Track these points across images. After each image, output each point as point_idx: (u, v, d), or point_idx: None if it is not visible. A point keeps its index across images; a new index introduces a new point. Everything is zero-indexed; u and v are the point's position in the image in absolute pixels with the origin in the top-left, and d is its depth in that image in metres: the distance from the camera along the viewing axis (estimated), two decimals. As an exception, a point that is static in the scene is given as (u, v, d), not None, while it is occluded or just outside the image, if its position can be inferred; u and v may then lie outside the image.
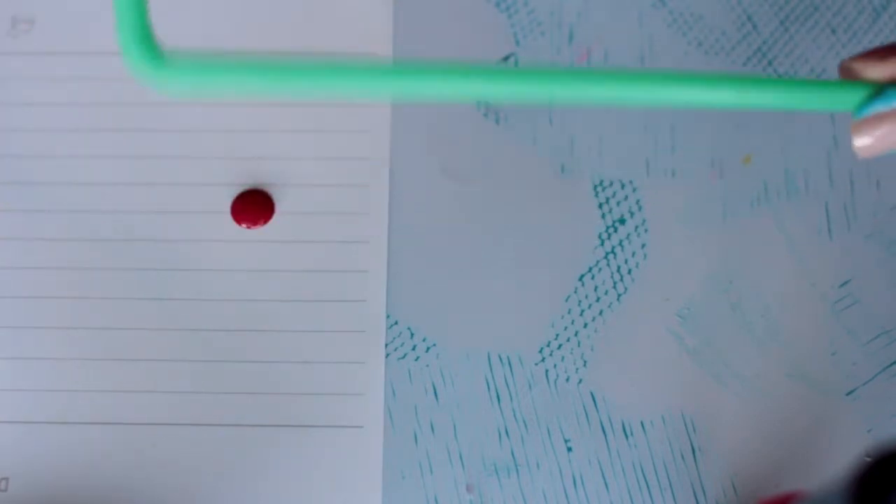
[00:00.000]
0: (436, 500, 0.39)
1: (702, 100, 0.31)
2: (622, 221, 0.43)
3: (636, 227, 0.43)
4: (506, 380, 0.41)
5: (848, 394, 0.40)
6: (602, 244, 0.42)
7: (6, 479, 0.39)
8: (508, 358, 0.41)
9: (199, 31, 0.45)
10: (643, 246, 0.42)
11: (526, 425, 0.40)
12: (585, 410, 0.40)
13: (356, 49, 0.45)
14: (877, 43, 0.45)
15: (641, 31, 0.45)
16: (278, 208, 0.43)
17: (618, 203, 0.43)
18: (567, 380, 0.41)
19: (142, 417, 0.40)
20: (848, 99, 0.32)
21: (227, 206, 0.43)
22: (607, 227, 0.42)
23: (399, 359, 0.41)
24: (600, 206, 0.43)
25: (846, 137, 0.44)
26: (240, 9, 0.46)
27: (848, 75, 0.34)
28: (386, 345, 0.41)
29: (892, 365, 0.41)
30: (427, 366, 0.41)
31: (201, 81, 0.31)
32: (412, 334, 0.41)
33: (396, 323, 0.41)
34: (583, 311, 0.41)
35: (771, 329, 0.41)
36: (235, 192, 0.43)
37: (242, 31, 0.45)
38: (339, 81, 0.30)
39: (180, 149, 0.43)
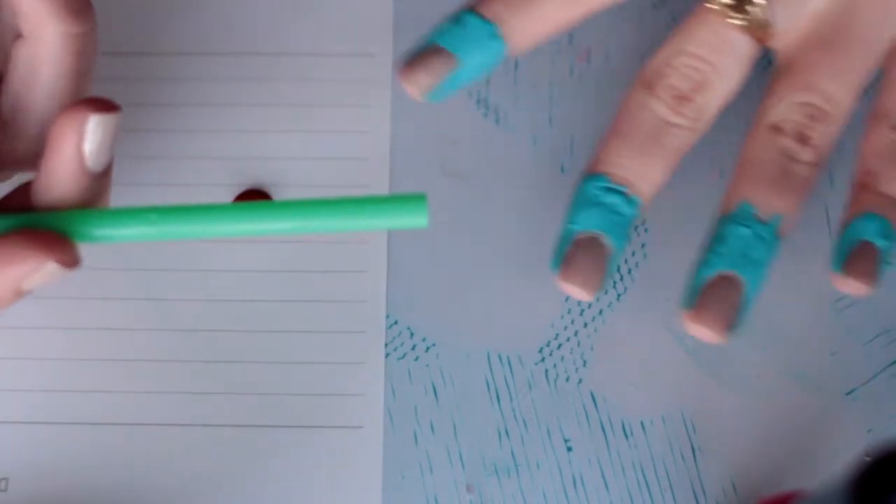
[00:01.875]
0: (436, 500, 0.39)
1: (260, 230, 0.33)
2: (622, 221, 0.43)
3: (636, 227, 0.43)
4: (506, 380, 0.41)
5: (848, 394, 0.40)
6: (602, 244, 0.42)
7: (6, 479, 0.39)
8: (508, 358, 0.41)
9: (200, 30, 0.45)
10: (643, 246, 0.42)
11: (526, 425, 0.40)
12: (585, 410, 0.40)
13: (356, 49, 0.45)
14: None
15: (641, 31, 0.45)
16: (278, 208, 0.43)
17: (618, 203, 0.43)
18: (567, 380, 0.41)
19: (142, 418, 0.40)
20: (419, 210, 0.33)
21: (227, 206, 0.43)
22: (607, 227, 0.42)
23: (399, 359, 0.41)
24: (600, 206, 0.43)
25: (846, 137, 0.43)
26: (239, 9, 0.46)
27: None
28: (386, 345, 0.41)
29: (892, 365, 0.41)
30: (427, 366, 0.41)
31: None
32: (412, 334, 0.41)
33: (396, 323, 0.41)
34: (583, 310, 0.41)
35: (771, 329, 0.41)
36: (235, 192, 0.43)
37: (242, 31, 0.45)
38: None
39: (180, 149, 0.43)
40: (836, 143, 0.40)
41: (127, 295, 0.41)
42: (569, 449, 0.40)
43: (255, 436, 0.40)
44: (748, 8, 0.39)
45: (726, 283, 0.37)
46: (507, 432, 0.40)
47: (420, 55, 0.40)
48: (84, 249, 0.42)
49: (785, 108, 0.39)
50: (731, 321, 0.37)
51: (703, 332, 0.37)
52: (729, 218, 0.38)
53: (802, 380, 0.40)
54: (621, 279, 0.42)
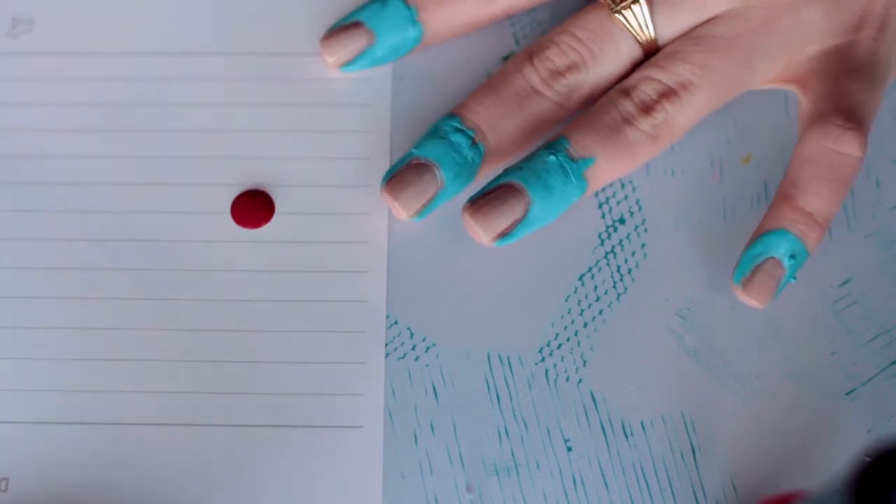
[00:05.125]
0: (436, 500, 0.39)
1: None
2: (622, 221, 0.43)
3: (636, 227, 0.43)
4: (506, 380, 0.41)
5: (848, 394, 0.40)
6: (602, 244, 0.42)
7: (6, 479, 0.39)
8: (508, 358, 0.41)
9: (200, 30, 0.45)
10: (643, 246, 0.42)
11: (526, 425, 0.40)
12: (585, 410, 0.40)
13: (356, 49, 0.44)
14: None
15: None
16: (278, 208, 0.43)
17: (618, 203, 0.43)
18: (567, 380, 0.41)
19: (141, 418, 0.40)
20: None
21: (227, 206, 0.43)
22: (607, 227, 0.42)
23: (399, 359, 0.41)
24: (600, 205, 0.43)
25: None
26: (239, 9, 0.46)
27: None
28: (386, 345, 0.41)
29: (892, 365, 0.41)
30: (427, 366, 0.41)
31: None
32: (412, 334, 0.41)
33: (396, 323, 0.41)
34: (583, 310, 0.41)
35: (771, 329, 0.41)
36: (235, 192, 0.43)
37: (242, 31, 0.45)
38: None
39: (180, 149, 0.43)
40: (682, 130, 0.41)
41: (127, 295, 0.41)
42: (569, 449, 0.40)
43: (255, 436, 0.40)
44: (633, 7, 0.41)
45: (512, 191, 0.40)
46: (507, 432, 0.40)
47: (341, 28, 0.43)
48: (84, 249, 0.42)
49: (639, 78, 0.41)
50: (505, 228, 0.40)
51: (475, 231, 0.40)
52: (544, 145, 0.41)
53: (802, 380, 0.40)
54: (621, 279, 0.42)
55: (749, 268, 0.40)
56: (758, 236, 0.40)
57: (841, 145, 0.40)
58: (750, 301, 0.40)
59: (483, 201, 0.40)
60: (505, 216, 0.40)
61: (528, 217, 0.40)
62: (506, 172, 0.40)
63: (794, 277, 0.40)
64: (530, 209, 0.40)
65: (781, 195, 0.40)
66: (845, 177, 0.40)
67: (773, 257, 0.39)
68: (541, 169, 0.40)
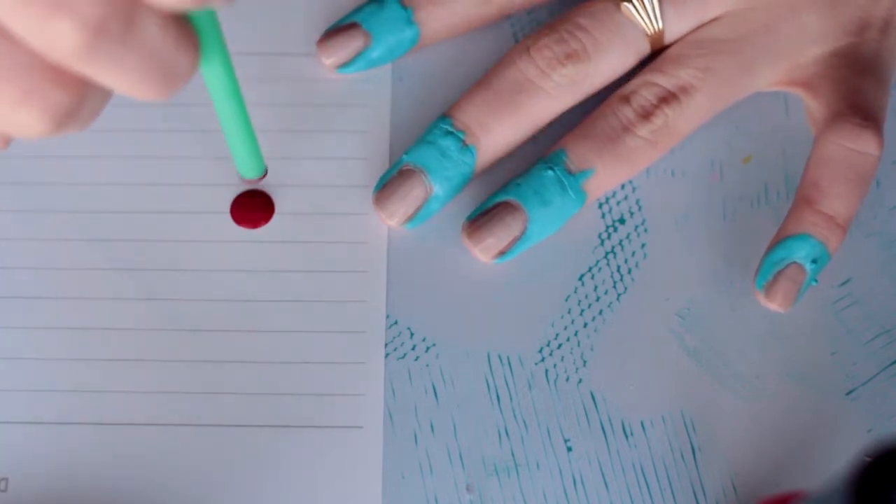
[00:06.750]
0: (436, 500, 0.39)
1: None
2: (622, 221, 0.43)
3: (636, 227, 0.43)
4: (506, 380, 0.41)
5: (848, 394, 0.40)
6: (602, 244, 0.42)
7: (6, 479, 0.39)
8: (508, 358, 0.41)
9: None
10: (643, 246, 0.42)
11: (526, 425, 0.40)
12: (585, 410, 0.40)
13: (356, 49, 0.45)
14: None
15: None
16: (278, 208, 0.43)
17: (617, 203, 0.43)
18: (567, 380, 0.41)
19: (141, 418, 0.40)
20: None
21: (227, 206, 0.43)
22: (607, 227, 0.42)
23: (399, 359, 0.41)
24: (600, 205, 0.43)
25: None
26: (239, 9, 0.46)
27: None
28: (386, 345, 0.41)
29: (892, 365, 0.41)
30: (427, 366, 0.41)
31: None
32: (412, 334, 0.41)
33: (396, 323, 0.41)
34: (583, 310, 0.41)
35: (771, 329, 0.41)
36: (235, 192, 0.43)
37: (242, 31, 0.45)
38: None
39: (180, 149, 0.43)
40: (683, 134, 0.41)
41: (127, 295, 0.41)
42: (569, 449, 0.40)
43: (255, 436, 0.40)
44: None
45: (509, 209, 0.40)
46: (507, 432, 0.40)
47: (337, 29, 0.43)
48: (84, 249, 0.42)
49: (639, 83, 0.41)
50: (504, 246, 0.40)
51: (474, 251, 0.41)
52: (542, 159, 0.41)
53: (802, 380, 0.40)
54: (621, 279, 0.42)
55: (771, 273, 0.39)
56: (779, 240, 0.40)
57: (859, 144, 0.39)
58: (772, 306, 0.40)
59: (481, 221, 0.40)
60: (503, 235, 0.40)
61: (527, 234, 0.40)
62: (503, 189, 0.41)
63: (816, 280, 0.40)
64: (528, 226, 0.40)
65: (802, 198, 0.40)
66: (865, 176, 0.40)
67: (795, 262, 0.39)
68: (538, 185, 0.40)
